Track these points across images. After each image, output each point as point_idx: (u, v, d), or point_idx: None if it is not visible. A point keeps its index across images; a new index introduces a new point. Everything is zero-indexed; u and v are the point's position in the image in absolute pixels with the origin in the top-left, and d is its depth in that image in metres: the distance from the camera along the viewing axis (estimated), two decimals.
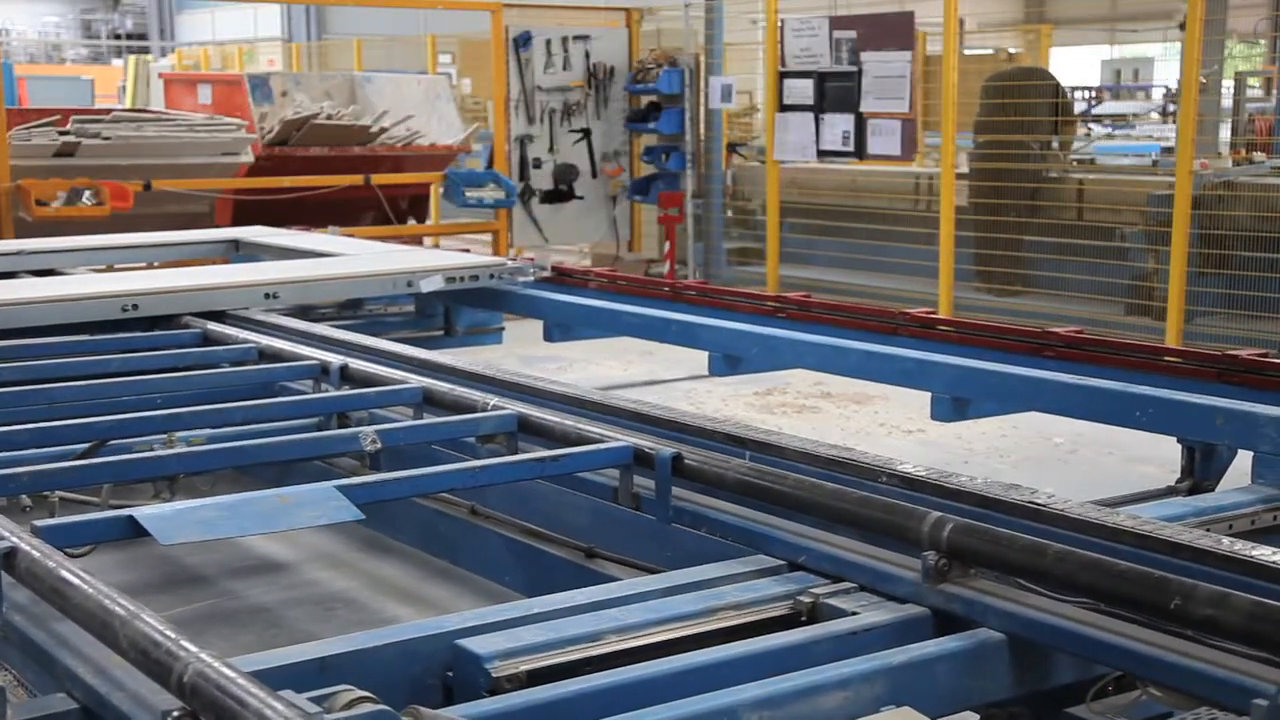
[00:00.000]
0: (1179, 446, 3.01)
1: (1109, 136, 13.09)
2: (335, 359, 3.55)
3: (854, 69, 9.43)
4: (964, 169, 9.23)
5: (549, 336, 4.78)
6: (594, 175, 10.78)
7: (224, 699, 1.53)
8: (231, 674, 1.57)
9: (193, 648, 1.64)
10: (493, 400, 3.10)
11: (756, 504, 2.56)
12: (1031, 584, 2.09)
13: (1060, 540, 2.14)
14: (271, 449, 2.96)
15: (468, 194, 9.56)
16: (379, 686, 1.86)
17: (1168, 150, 10.26)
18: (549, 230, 10.55)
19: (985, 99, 9.21)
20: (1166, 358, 3.19)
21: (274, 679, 1.77)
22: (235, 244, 5.62)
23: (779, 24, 9.70)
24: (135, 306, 4.00)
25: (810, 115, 9.42)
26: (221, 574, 4.24)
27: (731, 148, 11.07)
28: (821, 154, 9.42)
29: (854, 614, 2.15)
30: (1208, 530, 2.40)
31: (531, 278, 4.72)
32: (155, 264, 5.89)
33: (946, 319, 3.83)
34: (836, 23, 9.71)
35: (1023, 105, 8.78)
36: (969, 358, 3.39)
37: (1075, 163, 9.62)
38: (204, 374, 3.64)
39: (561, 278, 4.88)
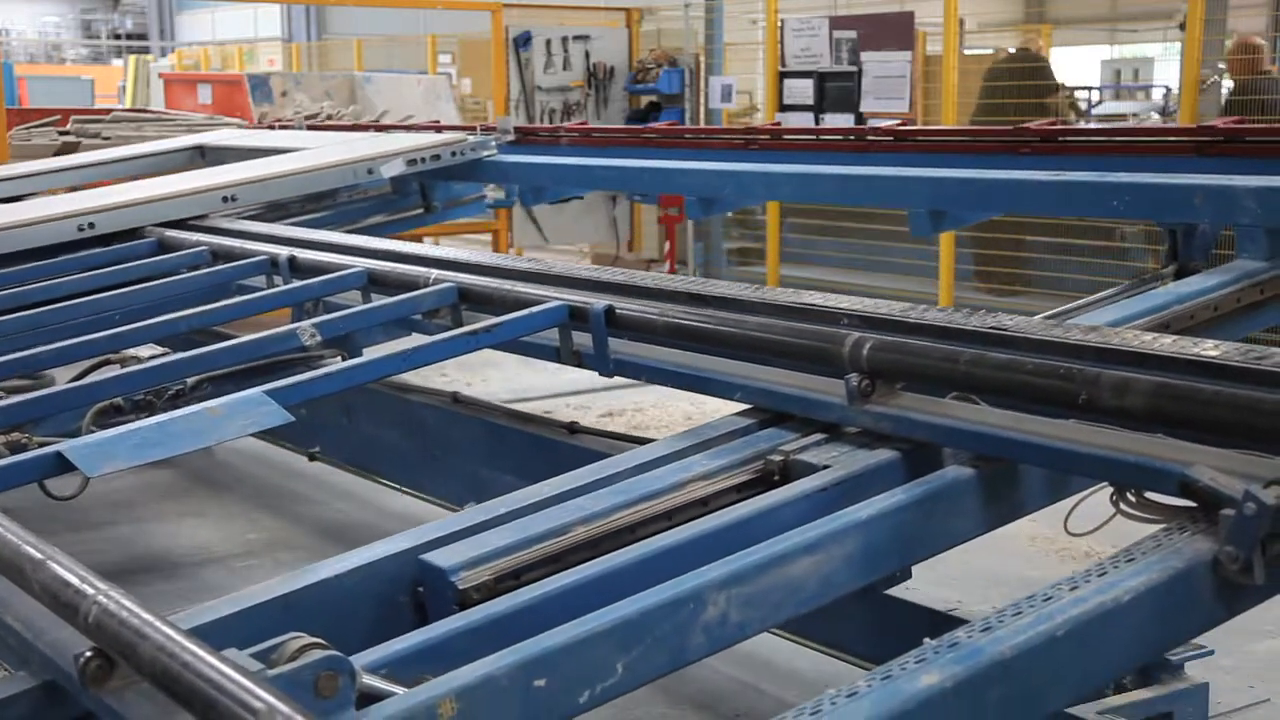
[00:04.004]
0: None
1: None
2: (284, 252, 3.50)
3: (854, 69, 9.40)
4: None
5: (524, 201, 4.79)
6: None
7: (125, 633, 1.44)
8: (132, 607, 1.47)
9: (101, 585, 1.54)
10: (434, 275, 3.06)
11: (689, 346, 2.55)
12: (952, 393, 2.07)
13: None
14: (210, 358, 2.86)
15: None
16: (348, 616, 1.81)
17: None
18: (549, 230, 10.47)
19: (988, 81, 9.17)
20: (1142, 138, 3.11)
21: (239, 622, 1.73)
22: (200, 150, 5.48)
23: (779, 24, 9.67)
24: (91, 225, 3.89)
25: (810, 115, 9.35)
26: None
27: None
28: None
29: (825, 468, 2.05)
30: (1192, 316, 2.32)
31: (495, 150, 4.62)
32: None
33: (918, 129, 3.76)
34: (836, 23, 9.69)
35: (1017, 89, 8.71)
36: (943, 168, 3.30)
37: None
38: (157, 285, 3.53)
39: (529, 138, 4.82)
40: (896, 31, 9.47)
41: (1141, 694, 2.27)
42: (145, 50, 25.99)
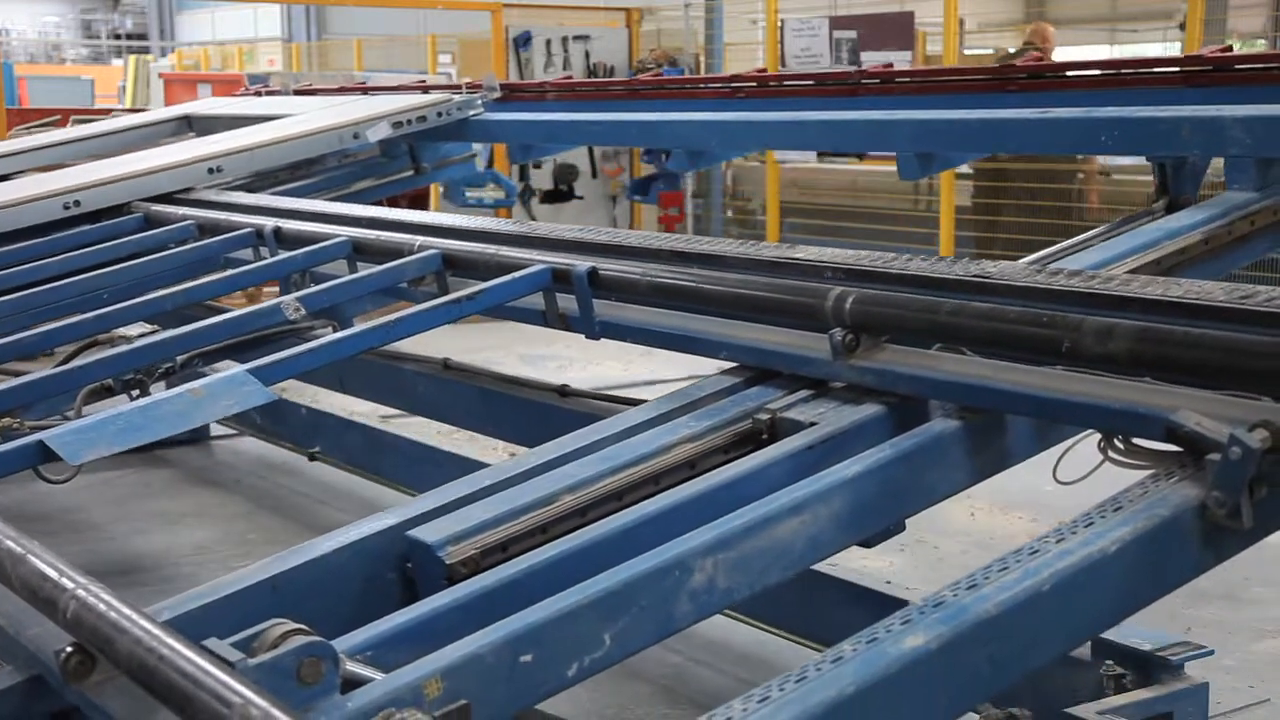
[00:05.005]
0: None
1: None
2: (269, 223, 3.47)
3: (854, 69, 9.30)
4: (965, 169, 9.14)
5: (513, 158, 4.77)
6: (594, 175, 10.70)
7: (103, 627, 1.43)
8: (110, 601, 1.46)
9: (79, 579, 1.53)
10: (419, 242, 3.03)
11: (674, 305, 2.52)
12: (937, 344, 2.04)
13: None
14: (199, 335, 2.85)
15: (468, 194, 9.45)
16: (337, 595, 1.80)
17: None
18: None
19: None
20: (1130, 71, 3.07)
21: (227, 607, 1.72)
22: (188, 120, 5.44)
23: (779, 24, 9.65)
24: (77, 203, 3.86)
25: None
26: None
27: None
28: (821, 154, 9.32)
29: (812, 425, 2.01)
30: (1183, 251, 2.29)
31: (481, 109, 4.58)
32: None
33: (905, 70, 3.73)
34: (836, 23, 9.68)
35: None
36: (931, 109, 3.27)
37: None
38: (143, 262, 3.51)
39: (515, 95, 4.76)
40: (896, 31, 9.46)
41: (1141, 694, 2.26)
42: (145, 50, 25.96)
